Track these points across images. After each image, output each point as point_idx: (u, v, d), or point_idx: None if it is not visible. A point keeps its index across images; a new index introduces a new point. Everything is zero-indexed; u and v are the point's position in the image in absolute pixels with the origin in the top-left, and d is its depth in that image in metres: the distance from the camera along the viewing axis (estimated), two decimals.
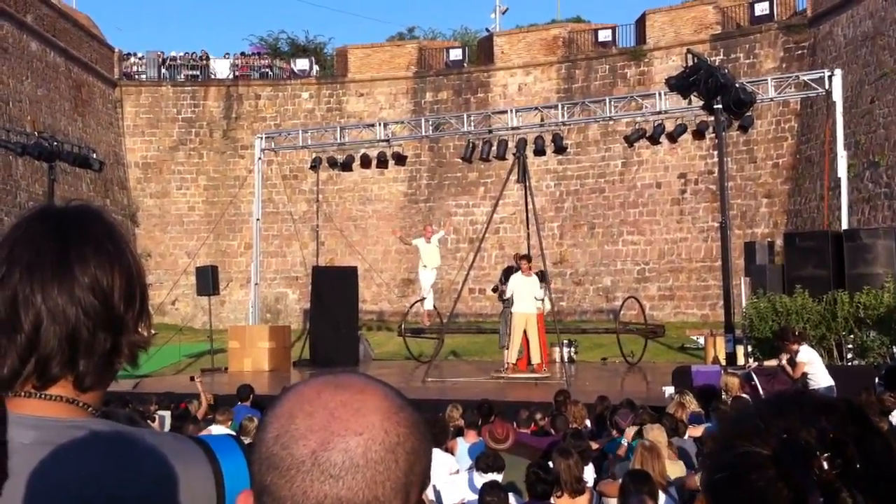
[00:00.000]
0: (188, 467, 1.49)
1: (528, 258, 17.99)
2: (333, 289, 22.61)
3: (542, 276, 18.04)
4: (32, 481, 1.37)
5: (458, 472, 8.50)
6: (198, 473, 1.49)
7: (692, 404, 9.82)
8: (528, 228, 19.45)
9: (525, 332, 17.38)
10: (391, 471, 1.03)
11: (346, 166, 24.40)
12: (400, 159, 23.95)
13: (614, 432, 9.10)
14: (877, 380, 12.44)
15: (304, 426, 1.04)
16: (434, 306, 22.55)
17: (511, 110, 23.04)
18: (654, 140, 21.19)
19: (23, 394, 1.47)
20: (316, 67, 39.30)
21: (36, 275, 1.48)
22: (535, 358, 17.60)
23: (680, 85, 16.33)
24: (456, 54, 37.66)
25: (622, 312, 24.16)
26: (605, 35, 35.42)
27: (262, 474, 1.05)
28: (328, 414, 1.04)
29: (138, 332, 1.58)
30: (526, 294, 17.39)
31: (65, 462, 1.41)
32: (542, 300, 17.68)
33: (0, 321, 1.47)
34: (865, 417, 1.10)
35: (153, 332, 1.68)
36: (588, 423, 10.60)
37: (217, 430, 8.99)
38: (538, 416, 10.38)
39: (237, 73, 38.73)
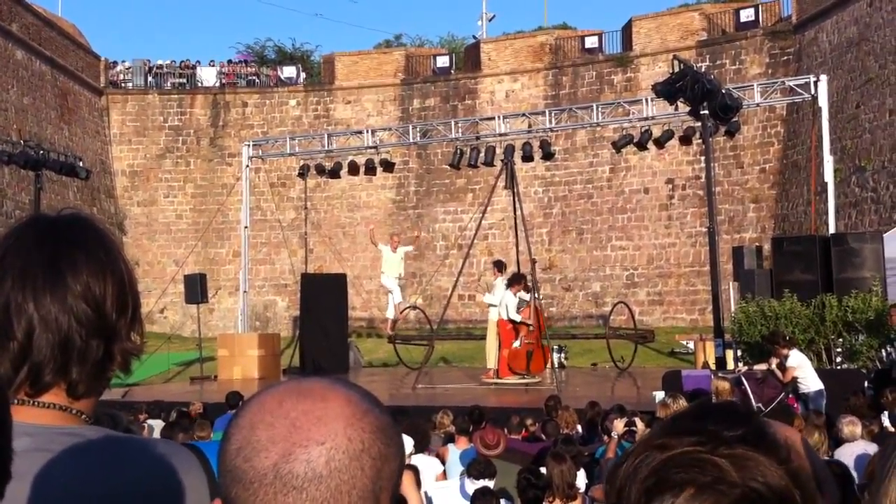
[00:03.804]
0: (182, 471, 1.49)
1: (494, 264, 18.39)
2: (323, 296, 22.56)
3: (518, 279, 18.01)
4: (30, 489, 1.37)
5: (444, 473, 8.51)
6: (191, 478, 1.49)
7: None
8: (516, 235, 19.47)
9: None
10: (357, 478, 1.01)
11: (334, 173, 24.37)
12: (388, 166, 23.94)
13: (605, 437, 9.10)
14: (866, 383, 12.51)
15: (266, 437, 1.02)
16: (400, 302, 22.20)
17: (498, 117, 23.08)
18: (641, 146, 21.24)
19: (16, 401, 1.47)
20: (303, 75, 39.30)
21: (28, 283, 1.49)
22: (489, 363, 17.91)
23: (666, 91, 16.39)
24: (443, 61, 37.72)
25: (612, 318, 24.18)
26: (591, 42, 35.54)
27: (227, 487, 1.04)
28: (289, 424, 1.02)
29: (131, 340, 1.58)
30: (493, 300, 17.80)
31: (61, 469, 1.40)
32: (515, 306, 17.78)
33: None
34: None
35: (144, 340, 1.68)
36: (579, 428, 10.60)
37: None
38: (529, 421, 10.37)
39: (224, 81, 38.68)
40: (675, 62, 16.66)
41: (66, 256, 1.52)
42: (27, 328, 1.47)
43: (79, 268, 1.51)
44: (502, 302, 17.42)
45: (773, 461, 1.04)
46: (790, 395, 11.69)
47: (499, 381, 17.69)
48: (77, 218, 1.59)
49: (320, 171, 24.37)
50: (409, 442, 8.48)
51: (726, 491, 1.01)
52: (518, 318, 17.33)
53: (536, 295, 17.76)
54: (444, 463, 8.83)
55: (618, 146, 21.57)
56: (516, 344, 17.42)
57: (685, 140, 21.15)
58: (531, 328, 17.30)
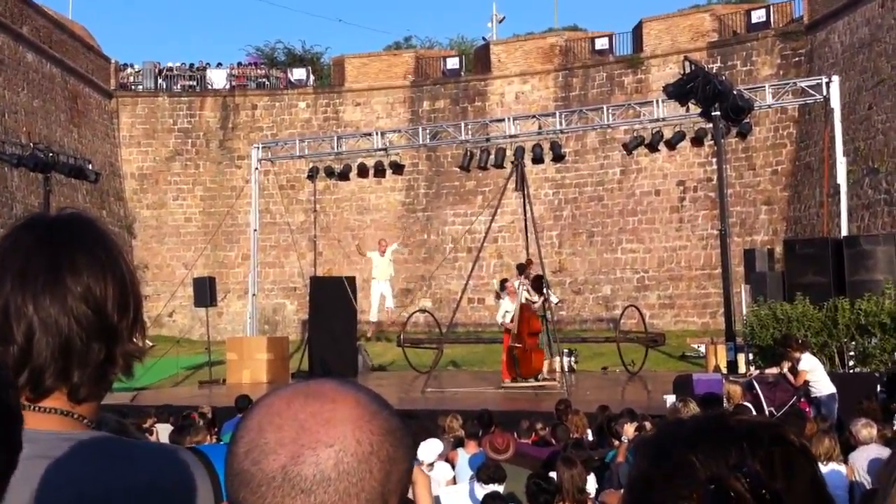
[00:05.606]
0: (186, 475, 1.47)
1: (517, 267, 18.64)
2: (331, 299, 22.56)
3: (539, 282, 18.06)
4: (32, 496, 1.35)
5: (453, 477, 8.48)
6: (196, 482, 1.48)
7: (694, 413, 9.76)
8: (526, 237, 19.42)
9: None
10: (365, 481, 1.01)
11: (344, 176, 24.37)
12: (397, 168, 23.92)
13: (615, 442, 9.05)
14: (878, 387, 12.43)
15: (274, 440, 1.01)
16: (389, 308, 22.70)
17: (508, 119, 23.03)
18: (652, 147, 21.18)
19: None
20: (312, 77, 39.31)
21: (28, 285, 1.46)
22: None
23: (678, 92, 16.32)
24: (453, 63, 37.70)
25: (622, 321, 24.10)
26: (602, 43, 35.47)
27: (235, 490, 1.03)
28: (298, 426, 1.02)
29: (132, 342, 1.56)
30: None
31: (63, 475, 1.38)
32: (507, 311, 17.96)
33: None
34: (791, 445, 1.07)
35: (150, 343, 1.64)
36: (589, 432, 10.55)
37: None
38: (539, 426, 10.32)
39: (234, 83, 38.74)
40: (686, 63, 16.59)
41: (66, 257, 1.49)
42: (27, 331, 1.44)
43: (79, 269, 1.49)
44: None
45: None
46: (802, 399, 11.62)
47: (504, 384, 17.70)
48: (77, 218, 1.57)
49: (329, 173, 24.37)
50: (438, 446, 8.42)
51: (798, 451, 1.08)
52: (499, 320, 17.95)
53: (530, 297, 17.76)
54: (453, 467, 8.80)
55: (629, 148, 21.52)
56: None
57: (696, 142, 21.08)
58: (512, 332, 17.48)
